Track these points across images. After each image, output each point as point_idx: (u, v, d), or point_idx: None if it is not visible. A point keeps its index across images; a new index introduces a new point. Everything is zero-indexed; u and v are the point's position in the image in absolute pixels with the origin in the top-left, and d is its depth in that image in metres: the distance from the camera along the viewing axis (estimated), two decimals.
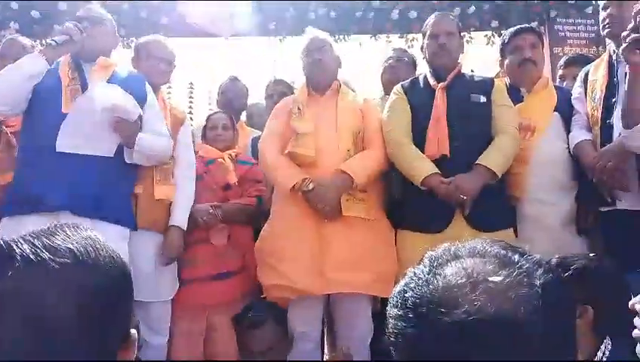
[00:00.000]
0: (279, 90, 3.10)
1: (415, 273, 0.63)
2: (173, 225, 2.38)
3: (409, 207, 2.35)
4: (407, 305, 0.60)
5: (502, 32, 3.66)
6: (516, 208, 2.32)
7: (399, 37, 4.49)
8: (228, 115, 2.84)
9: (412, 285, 0.61)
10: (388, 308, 0.64)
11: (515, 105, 2.38)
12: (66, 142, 2.09)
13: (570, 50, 4.17)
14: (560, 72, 3.03)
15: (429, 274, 0.61)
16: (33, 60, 2.12)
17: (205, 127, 2.81)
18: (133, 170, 2.28)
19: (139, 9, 4.24)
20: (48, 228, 0.65)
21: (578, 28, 4.39)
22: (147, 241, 2.35)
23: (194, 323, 2.48)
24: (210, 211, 2.46)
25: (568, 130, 2.36)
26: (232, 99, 3.14)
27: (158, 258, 2.37)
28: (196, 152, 2.67)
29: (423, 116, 2.30)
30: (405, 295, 0.61)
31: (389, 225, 2.37)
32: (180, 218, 2.40)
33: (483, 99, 2.31)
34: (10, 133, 2.37)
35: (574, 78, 2.60)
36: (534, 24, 3.82)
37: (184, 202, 2.43)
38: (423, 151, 2.26)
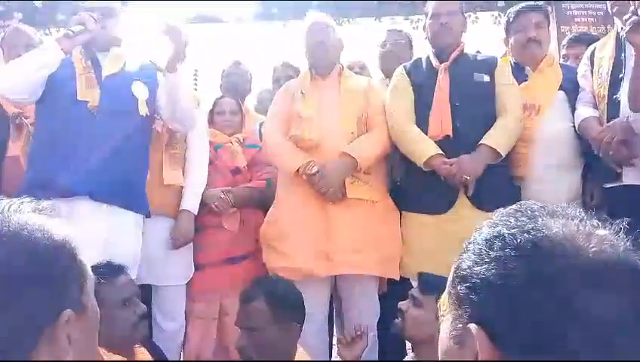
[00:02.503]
0: (286, 74, 3.09)
1: (504, 221, 0.61)
2: (183, 210, 2.40)
3: (413, 188, 2.35)
4: (510, 248, 0.57)
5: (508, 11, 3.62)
6: (521, 187, 2.32)
7: (404, 19, 4.46)
8: (235, 100, 2.85)
9: (508, 231, 0.59)
10: (465, 255, 0.62)
11: (519, 84, 2.36)
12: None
13: (578, 29, 4.11)
14: (563, 51, 3.01)
15: (530, 223, 0.59)
16: (50, 49, 2.15)
17: (212, 111, 2.82)
18: (146, 157, 2.30)
19: None
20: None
21: (586, 6, 4.34)
22: (159, 226, 2.38)
23: (208, 307, 2.51)
24: (222, 196, 2.48)
25: (573, 109, 2.34)
26: (236, 83, 3.14)
27: (169, 242, 2.39)
28: None
29: (425, 97, 2.30)
30: (504, 241, 0.58)
31: (394, 206, 2.37)
32: (190, 202, 2.42)
33: (486, 78, 2.29)
34: (30, 124, 2.41)
35: (577, 58, 2.57)
36: (541, 3, 3.76)
37: (195, 187, 2.46)
38: (426, 132, 2.25)
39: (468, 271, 0.61)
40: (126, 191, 2.17)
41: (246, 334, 1.82)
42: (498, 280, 0.57)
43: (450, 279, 0.65)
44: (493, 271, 0.58)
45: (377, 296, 2.39)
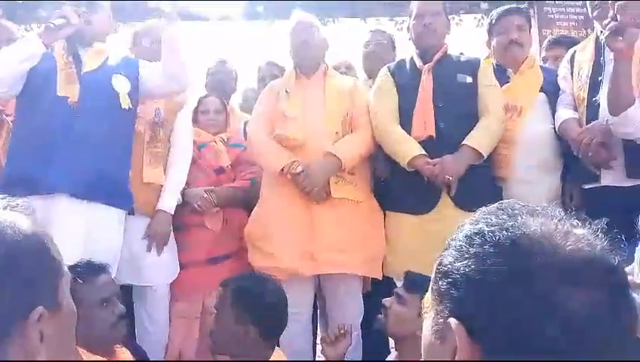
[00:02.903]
0: (271, 73, 3.09)
1: (485, 218, 0.62)
2: (159, 210, 2.38)
3: (396, 188, 2.36)
4: (490, 245, 0.59)
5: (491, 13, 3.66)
6: (502, 188, 2.35)
7: (389, 20, 4.48)
8: (220, 99, 2.84)
9: (488, 229, 0.60)
10: (447, 251, 0.63)
11: (501, 85, 2.39)
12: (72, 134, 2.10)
13: (559, 32, 4.17)
14: (543, 53, 3.05)
15: (510, 221, 0.60)
16: (31, 43, 2.13)
17: (196, 110, 2.81)
18: (128, 151, 2.28)
19: None
20: None
21: (567, 10, 4.40)
22: (142, 225, 2.36)
23: (191, 306, 2.50)
24: (204, 196, 2.47)
25: (554, 111, 2.37)
26: (221, 81, 3.12)
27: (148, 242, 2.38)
28: None
29: (409, 97, 2.31)
30: (484, 237, 0.59)
31: (378, 206, 2.39)
32: (166, 202, 2.39)
33: (469, 79, 2.32)
34: (12, 121, 2.37)
35: (557, 60, 2.61)
36: (523, 5, 3.81)
37: (173, 186, 2.43)
38: (409, 132, 2.27)
39: (449, 266, 0.62)
40: (107, 187, 2.14)
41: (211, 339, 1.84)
42: (477, 276, 0.58)
43: (432, 275, 0.66)
44: (473, 266, 0.59)
45: (361, 295, 2.41)
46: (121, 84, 2.23)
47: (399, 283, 1.96)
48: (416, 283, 1.74)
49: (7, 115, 2.40)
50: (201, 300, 2.50)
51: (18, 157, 2.12)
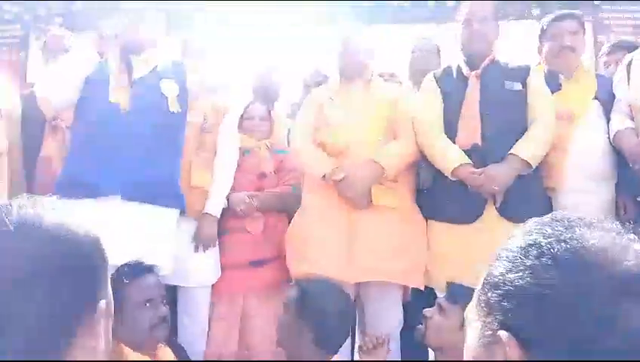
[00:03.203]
0: (316, 81, 3.11)
1: (539, 229, 0.61)
2: (205, 213, 2.43)
3: (440, 197, 2.32)
4: (547, 258, 0.58)
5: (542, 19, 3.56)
6: (552, 199, 2.27)
7: (436, 27, 4.42)
8: (265, 105, 2.88)
9: (544, 240, 0.59)
10: (498, 262, 0.62)
11: (553, 92, 2.31)
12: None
13: (616, 38, 4.00)
14: (604, 58, 2.93)
15: (567, 233, 0.59)
16: (86, 52, 2.24)
17: (242, 116, 2.85)
18: (178, 153, 2.34)
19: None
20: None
21: (624, 16, 4.22)
22: (187, 227, 2.40)
23: (230, 309, 2.53)
24: (247, 200, 2.50)
25: (608, 119, 2.28)
26: (267, 88, 3.17)
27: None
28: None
29: (455, 105, 2.27)
30: (541, 249, 0.59)
31: (420, 214, 2.35)
32: (213, 206, 2.44)
33: (518, 86, 2.25)
34: (66, 126, 2.49)
35: (618, 64, 2.50)
36: (576, 11, 3.69)
37: (219, 190, 2.48)
38: (454, 140, 2.23)
39: (500, 278, 0.60)
40: (158, 188, 2.20)
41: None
42: (533, 289, 0.57)
43: (480, 285, 0.65)
44: (528, 279, 0.58)
45: (401, 304, 2.37)
46: (169, 88, 2.30)
47: (440, 294, 1.92)
48: (459, 295, 1.71)
49: (61, 120, 2.51)
50: (240, 303, 2.53)
51: (73, 162, 2.21)
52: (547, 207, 2.25)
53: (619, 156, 2.22)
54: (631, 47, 2.64)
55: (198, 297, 2.47)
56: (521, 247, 0.61)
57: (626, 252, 0.57)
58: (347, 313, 1.87)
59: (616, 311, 0.54)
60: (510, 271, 0.60)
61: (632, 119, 2.21)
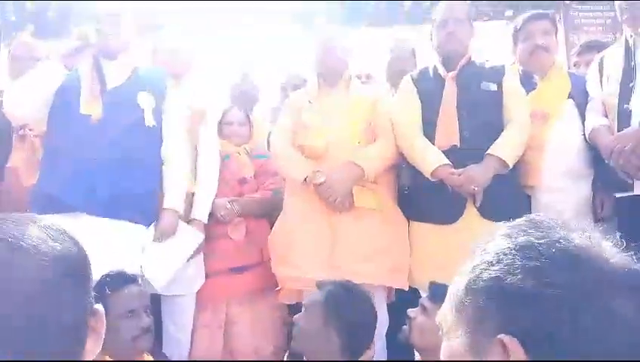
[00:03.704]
0: (293, 84, 3.11)
1: (523, 231, 0.62)
2: (193, 219, 2.40)
3: (421, 197, 2.33)
4: (545, 259, 0.58)
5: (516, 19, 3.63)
6: (531, 197, 2.30)
7: (411, 29, 4.46)
8: (243, 110, 2.86)
9: (537, 241, 0.60)
10: (483, 266, 0.61)
11: (528, 92, 2.35)
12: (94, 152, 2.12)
13: (587, 37, 4.10)
14: (575, 58, 2.99)
15: (553, 233, 0.61)
16: (52, 67, 2.17)
17: (221, 122, 2.83)
18: (155, 167, 2.29)
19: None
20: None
21: (594, 14, 4.32)
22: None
23: (214, 315, 2.51)
24: (227, 206, 2.49)
25: (583, 117, 2.32)
26: (245, 93, 3.16)
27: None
28: None
29: (432, 106, 2.29)
30: (539, 251, 0.59)
31: (402, 215, 2.36)
32: (200, 211, 2.42)
33: (494, 87, 2.28)
34: (34, 136, 2.43)
35: (588, 65, 2.55)
36: (548, 11, 3.76)
37: (205, 195, 2.46)
38: (433, 141, 2.24)
39: (494, 282, 0.60)
40: (127, 204, 2.14)
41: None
42: (535, 290, 0.57)
43: (460, 292, 0.64)
44: (530, 281, 0.57)
45: (386, 305, 2.38)
46: (146, 101, 2.24)
47: (424, 294, 1.93)
48: (442, 294, 1.70)
49: (30, 130, 2.44)
50: (224, 310, 2.52)
51: (44, 175, 2.16)
52: (526, 205, 2.28)
53: (595, 154, 2.25)
54: (600, 48, 2.69)
55: (182, 305, 2.45)
56: (514, 249, 0.60)
57: (605, 249, 0.59)
58: (374, 316, 1.82)
59: (614, 307, 0.55)
60: (507, 274, 0.59)
61: (606, 116, 2.26)
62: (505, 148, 2.18)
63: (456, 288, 0.65)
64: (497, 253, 0.61)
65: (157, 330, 2.07)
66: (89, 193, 2.08)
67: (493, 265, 0.61)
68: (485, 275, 0.61)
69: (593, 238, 0.60)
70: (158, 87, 2.30)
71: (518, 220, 0.64)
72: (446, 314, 0.67)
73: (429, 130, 2.28)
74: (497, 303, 0.59)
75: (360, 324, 1.77)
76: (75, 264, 0.67)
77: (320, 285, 1.85)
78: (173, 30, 2.76)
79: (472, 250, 0.66)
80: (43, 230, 0.65)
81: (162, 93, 2.30)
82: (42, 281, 0.61)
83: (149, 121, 2.23)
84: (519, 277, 0.58)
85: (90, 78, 2.20)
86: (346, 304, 1.76)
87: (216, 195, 2.52)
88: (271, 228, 2.55)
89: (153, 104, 2.25)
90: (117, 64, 2.26)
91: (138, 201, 2.20)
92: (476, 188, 2.12)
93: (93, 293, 0.69)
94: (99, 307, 0.68)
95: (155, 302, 2.23)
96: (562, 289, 0.56)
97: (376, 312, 1.83)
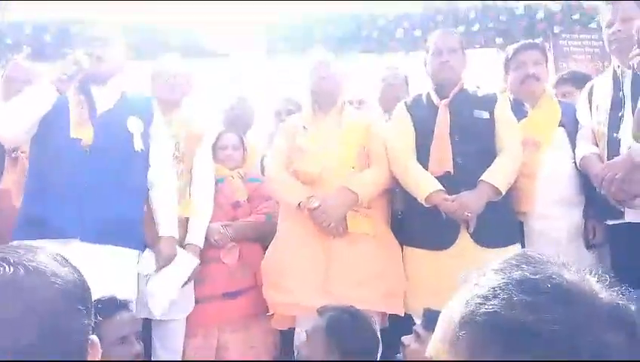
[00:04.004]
0: (286, 108, 3.14)
1: (517, 266, 0.63)
2: (190, 244, 2.38)
3: (414, 223, 2.35)
4: (543, 294, 0.59)
5: (506, 49, 3.70)
6: (523, 224, 2.32)
7: (404, 55, 4.54)
8: (237, 135, 2.88)
9: (532, 276, 0.61)
10: (479, 300, 0.62)
11: (519, 120, 2.38)
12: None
13: (576, 65, 4.18)
14: (553, 90, 3.04)
15: (547, 269, 0.62)
16: (43, 90, 2.12)
17: (215, 145, 2.84)
18: (142, 192, 2.28)
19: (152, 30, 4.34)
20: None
21: (583, 43, 4.41)
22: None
23: (205, 341, 2.48)
24: (221, 230, 2.49)
25: (574, 145, 2.35)
26: (239, 117, 3.17)
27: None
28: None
29: (426, 133, 2.32)
30: (536, 285, 0.60)
31: (395, 241, 2.37)
32: (194, 237, 2.41)
33: (486, 115, 2.31)
34: (27, 158, 2.41)
35: (565, 96, 2.62)
36: (539, 40, 3.84)
37: (200, 220, 2.45)
38: (426, 167, 2.26)
39: (493, 316, 0.60)
40: (118, 229, 2.12)
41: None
42: (534, 326, 0.57)
43: (454, 325, 0.63)
44: (530, 316, 0.58)
45: (379, 331, 2.36)
46: (135, 125, 2.23)
47: (418, 320, 1.93)
48: (436, 321, 1.70)
49: (22, 152, 2.43)
50: (215, 336, 2.49)
51: (32, 200, 2.13)
52: (519, 231, 2.30)
53: (586, 181, 2.28)
54: (580, 80, 2.76)
55: (174, 329, 2.42)
56: (510, 284, 0.60)
57: (592, 284, 0.61)
58: (376, 342, 1.83)
59: (607, 340, 0.56)
60: (505, 308, 0.59)
61: (596, 145, 2.29)
62: (498, 176, 2.20)
63: (447, 321, 0.65)
64: (493, 288, 0.61)
65: (146, 355, 2.04)
66: (80, 218, 2.06)
67: (489, 300, 0.61)
68: (482, 310, 0.61)
69: (580, 273, 0.62)
70: (146, 111, 2.30)
71: (509, 256, 0.65)
72: (438, 347, 0.66)
73: (422, 156, 2.30)
74: (495, 337, 0.59)
75: (362, 351, 1.77)
76: (81, 291, 0.68)
77: (321, 311, 1.84)
78: (172, 55, 2.76)
79: (461, 281, 0.66)
80: (52, 258, 0.67)
81: (150, 117, 2.30)
82: (57, 305, 0.62)
83: (138, 145, 2.22)
84: (518, 311, 0.58)
85: (78, 102, 2.17)
86: (348, 330, 1.76)
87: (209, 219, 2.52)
88: (264, 253, 2.54)
89: (142, 128, 2.25)
90: (106, 88, 2.25)
91: (129, 226, 2.19)
92: (470, 215, 2.14)
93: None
94: (94, 338, 0.68)
95: (144, 327, 2.20)
96: (559, 325, 0.56)
97: (378, 338, 1.82)
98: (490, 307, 0.60)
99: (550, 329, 0.57)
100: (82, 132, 2.13)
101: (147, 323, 2.36)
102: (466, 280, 0.66)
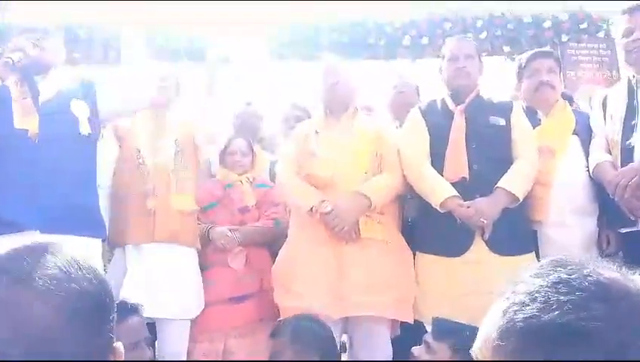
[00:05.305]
0: (295, 115, 3.13)
1: (555, 269, 0.62)
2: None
3: (427, 230, 2.33)
4: (581, 292, 0.58)
5: (514, 57, 3.71)
6: (537, 232, 2.30)
7: (411, 62, 4.54)
8: (246, 140, 2.87)
9: (567, 276, 0.60)
10: (516, 307, 0.61)
11: (533, 128, 2.37)
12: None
13: (584, 74, 4.19)
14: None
15: (582, 268, 0.61)
16: None
17: (224, 151, 2.83)
18: (93, 179, 2.25)
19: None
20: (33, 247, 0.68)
21: (591, 52, 4.42)
22: (166, 254, 2.34)
23: (211, 346, 2.46)
24: (228, 234, 2.48)
25: (587, 154, 2.35)
26: (248, 122, 3.17)
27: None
28: (214, 176, 2.70)
29: (441, 139, 2.30)
30: (571, 284, 0.59)
31: (407, 247, 2.35)
32: None
33: (502, 122, 2.30)
34: None
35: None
36: (547, 48, 3.85)
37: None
38: (441, 174, 2.25)
39: (532, 320, 0.59)
40: (77, 217, 2.08)
41: None
42: (575, 325, 0.56)
43: (492, 338, 0.62)
44: (569, 316, 0.57)
45: (390, 338, 2.34)
46: (80, 109, 2.20)
47: (429, 327, 1.91)
48: (445, 331, 1.70)
49: None
50: (222, 341, 2.47)
51: None
52: (533, 239, 2.28)
53: (600, 189, 2.27)
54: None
55: (176, 331, 2.38)
56: (546, 287, 0.60)
57: (633, 280, 0.60)
58: (331, 351, 1.87)
59: None
60: (543, 311, 0.58)
61: (610, 153, 2.28)
62: (515, 182, 2.19)
63: (484, 339, 0.64)
64: (530, 293, 0.61)
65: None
66: (37, 209, 2.02)
67: (527, 305, 0.60)
68: (520, 316, 0.60)
69: (620, 270, 0.61)
70: (89, 97, 2.26)
71: (542, 261, 0.65)
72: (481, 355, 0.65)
73: (436, 162, 2.29)
74: (536, 341, 0.58)
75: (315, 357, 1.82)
76: (96, 300, 0.67)
77: (285, 319, 2.02)
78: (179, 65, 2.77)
79: (496, 293, 0.65)
80: (60, 267, 0.66)
81: (94, 102, 2.26)
82: (57, 320, 0.62)
83: (85, 129, 2.18)
84: (557, 313, 0.57)
85: (21, 93, 2.13)
86: (302, 338, 1.85)
87: (217, 223, 2.52)
88: (271, 258, 2.52)
89: (87, 113, 2.21)
90: (47, 79, 2.22)
91: (88, 213, 2.17)
92: (485, 221, 2.12)
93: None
94: (118, 345, 0.69)
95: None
96: (602, 322, 0.56)
97: (335, 346, 1.92)
98: (529, 311, 0.59)
99: (591, 327, 0.56)
100: (28, 122, 2.09)
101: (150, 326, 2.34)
102: (500, 293, 0.65)
